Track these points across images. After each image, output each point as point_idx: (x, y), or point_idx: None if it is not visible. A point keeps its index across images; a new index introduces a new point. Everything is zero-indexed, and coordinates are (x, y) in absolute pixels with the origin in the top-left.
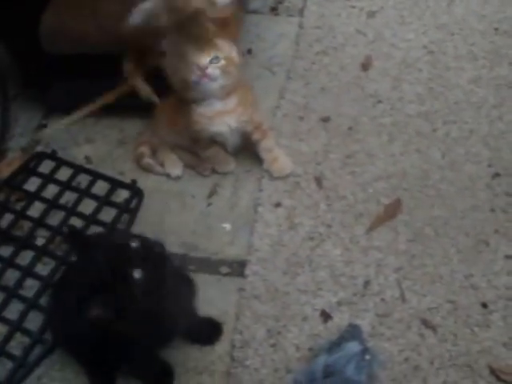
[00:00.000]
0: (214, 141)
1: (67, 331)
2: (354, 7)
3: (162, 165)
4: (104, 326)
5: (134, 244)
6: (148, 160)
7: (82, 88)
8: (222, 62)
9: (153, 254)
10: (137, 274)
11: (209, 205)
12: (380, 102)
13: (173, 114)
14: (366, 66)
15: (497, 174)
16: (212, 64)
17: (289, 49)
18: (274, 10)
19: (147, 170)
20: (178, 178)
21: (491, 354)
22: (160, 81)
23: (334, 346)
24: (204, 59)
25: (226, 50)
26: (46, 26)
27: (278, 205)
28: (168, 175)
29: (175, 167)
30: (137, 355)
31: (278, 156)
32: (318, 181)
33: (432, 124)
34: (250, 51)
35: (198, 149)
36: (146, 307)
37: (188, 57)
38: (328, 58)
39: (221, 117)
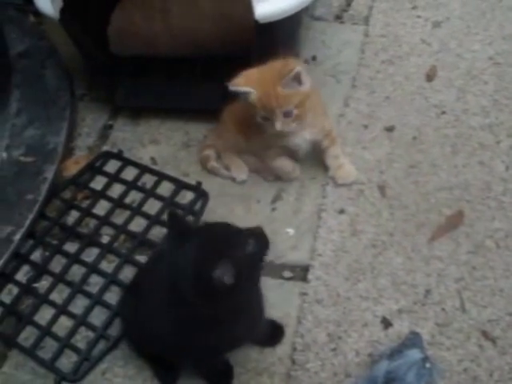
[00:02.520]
0: (285, 150)
1: (140, 324)
2: (419, 17)
3: (227, 168)
4: (223, 290)
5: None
6: (213, 163)
7: (148, 88)
8: (295, 111)
9: (259, 234)
10: (251, 245)
11: (273, 209)
12: (444, 112)
13: (240, 119)
14: (430, 77)
15: None
16: (287, 120)
17: (354, 57)
18: (338, 17)
19: (212, 173)
20: (243, 182)
21: None
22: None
23: (396, 352)
24: (278, 125)
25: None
26: (114, 26)
27: (341, 211)
28: (233, 179)
29: (241, 171)
30: (206, 354)
31: (344, 163)
32: (382, 189)
33: (496, 136)
34: (314, 58)
35: (267, 157)
36: (255, 282)
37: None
38: (393, 67)
39: (298, 132)
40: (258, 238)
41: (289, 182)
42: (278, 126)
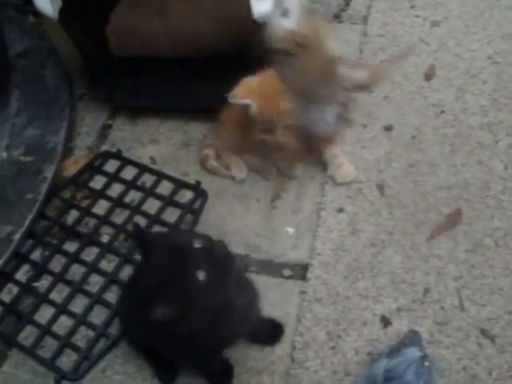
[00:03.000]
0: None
1: (136, 325)
2: (418, 16)
3: (226, 168)
4: (168, 326)
5: (197, 244)
6: (212, 163)
7: (148, 88)
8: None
9: (216, 254)
10: (201, 275)
11: (273, 208)
12: (443, 112)
13: (240, 119)
14: (429, 76)
15: None
16: (287, 132)
17: (352, 56)
18: (337, 17)
19: (212, 172)
20: (242, 181)
21: None
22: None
23: (395, 351)
24: (279, 137)
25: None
26: (113, 26)
27: (340, 210)
28: (233, 178)
29: (240, 170)
30: (200, 353)
31: (343, 162)
32: (381, 188)
33: (495, 135)
34: None
35: (267, 156)
36: (210, 308)
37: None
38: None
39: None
40: (215, 262)
41: (288, 181)
42: (279, 138)
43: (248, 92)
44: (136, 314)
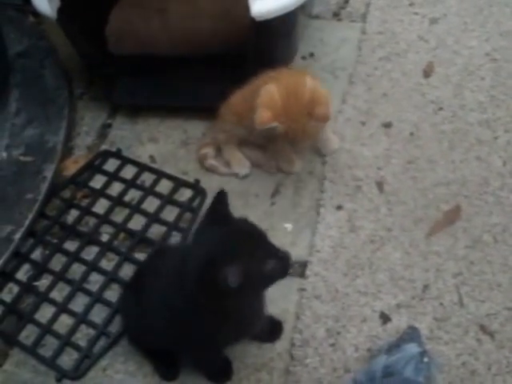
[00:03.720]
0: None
1: (139, 320)
2: (416, 14)
3: (228, 164)
4: (224, 291)
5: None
6: (211, 161)
7: (147, 87)
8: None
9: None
10: (270, 264)
11: (272, 204)
12: (441, 108)
13: (243, 111)
14: (427, 73)
15: None
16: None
17: (351, 54)
18: (336, 15)
19: (210, 170)
20: (245, 176)
21: None
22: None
23: (394, 347)
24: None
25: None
26: (112, 26)
27: (339, 207)
28: (236, 175)
29: (242, 166)
30: (205, 350)
31: (329, 135)
32: (380, 185)
33: (493, 132)
34: (312, 55)
35: (270, 150)
36: (262, 296)
37: None
38: (390, 64)
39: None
40: (280, 263)
41: (287, 177)
42: (299, 146)
43: (274, 114)
44: (141, 309)
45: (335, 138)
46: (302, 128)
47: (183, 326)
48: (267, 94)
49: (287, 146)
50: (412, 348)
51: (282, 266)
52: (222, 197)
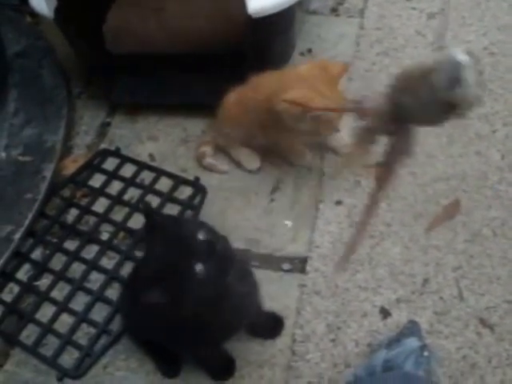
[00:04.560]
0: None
1: (138, 317)
2: (414, 9)
3: (238, 163)
4: (158, 311)
5: (201, 236)
6: (210, 160)
7: (146, 85)
8: None
9: (218, 250)
10: (198, 268)
11: (271, 201)
12: None
13: (240, 111)
14: None
15: None
16: None
17: (349, 49)
18: (334, 10)
19: (209, 169)
20: (257, 170)
21: None
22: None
23: (394, 341)
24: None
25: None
26: (110, 25)
27: (338, 203)
28: (248, 171)
29: (252, 161)
30: (200, 344)
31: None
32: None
33: (491, 126)
34: (310, 51)
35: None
36: (203, 300)
37: None
38: (388, 59)
39: None
40: (213, 258)
41: (286, 173)
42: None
43: (321, 97)
44: (137, 306)
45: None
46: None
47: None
48: (292, 74)
49: (300, 139)
50: (412, 342)
51: (218, 262)
52: (147, 211)
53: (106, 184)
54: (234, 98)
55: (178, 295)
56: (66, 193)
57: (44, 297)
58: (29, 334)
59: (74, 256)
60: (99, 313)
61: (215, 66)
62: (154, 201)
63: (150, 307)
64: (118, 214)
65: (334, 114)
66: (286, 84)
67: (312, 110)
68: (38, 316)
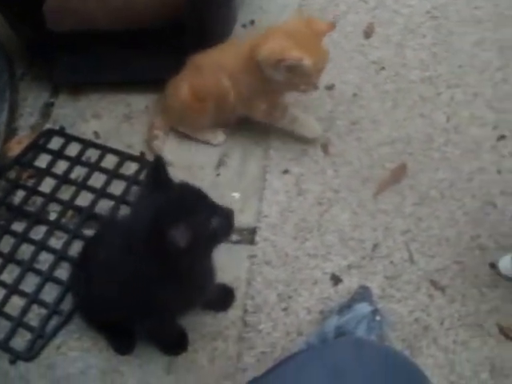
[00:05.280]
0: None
1: (91, 295)
2: None
3: (204, 142)
4: (173, 251)
5: None
6: (159, 143)
7: (88, 63)
8: None
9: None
10: (215, 222)
11: (217, 175)
12: (383, 68)
13: (199, 100)
14: (368, 34)
15: (502, 136)
16: None
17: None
18: None
19: (153, 151)
20: (221, 144)
21: (500, 312)
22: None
23: (345, 307)
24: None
25: None
26: (49, 4)
27: (285, 172)
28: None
29: (218, 135)
30: (158, 319)
31: (305, 119)
32: (325, 147)
33: (436, 88)
34: (252, 22)
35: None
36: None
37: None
38: None
39: None
40: (225, 219)
41: (231, 148)
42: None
43: (299, 50)
44: (92, 282)
45: (314, 121)
46: (323, 53)
47: (136, 295)
48: (274, 39)
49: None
50: (363, 307)
51: (226, 222)
52: (159, 162)
53: (51, 164)
54: (187, 90)
55: (193, 240)
56: (12, 174)
57: None
58: None
59: (22, 237)
60: (50, 293)
61: (156, 42)
62: (100, 178)
63: (172, 246)
64: (65, 193)
65: (312, 68)
66: (270, 36)
67: (286, 60)
68: None
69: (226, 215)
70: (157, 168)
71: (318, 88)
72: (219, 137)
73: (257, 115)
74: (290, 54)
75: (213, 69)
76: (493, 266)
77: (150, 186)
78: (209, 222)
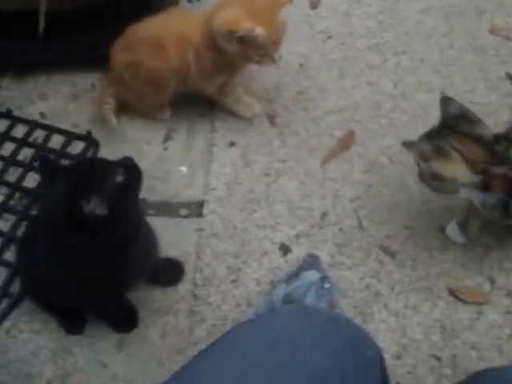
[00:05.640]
0: None
1: (37, 276)
2: None
3: (149, 115)
4: (99, 223)
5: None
6: (108, 110)
7: (30, 45)
8: None
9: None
10: (119, 178)
11: (165, 150)
12: (330, 37)
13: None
14: (314, 4)
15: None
16: None
17: None
18: None
19: (102, 116)
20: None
21: (450, 275)
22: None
23: (293, 276)
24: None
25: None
26: None
27: (232, 144)
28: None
29: (164, 111)
30: (103, 295)
31: (242, 96)
32: (271, 118)
33: (382, 56)
34: None
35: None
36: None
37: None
38: None
39: None
40: (128, 169)
41: (178, 122)
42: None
43: (253, 21)
44: (32, 264)
45: (255, 102)
46: (279, 25)
47: (75, 274)
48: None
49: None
50: (311, 275)
51: (130, 171)
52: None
53: None
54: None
55: (114, 200)
56: None
57: None
58: None
59: None
60: None
61: (97, 18)
62: None
63: (95, 218)
64: (13, 175)
65: (265, 39)
66: (224, 6)
67: (238, 31)
68: None
69: (127, 166)
70: (45, 164)
71: (274, 61)
72: (165, 112)
73: (210, 90)
74: (242, 25)
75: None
76: (443, 229)
77: (49, 180)
78: (115, 180)
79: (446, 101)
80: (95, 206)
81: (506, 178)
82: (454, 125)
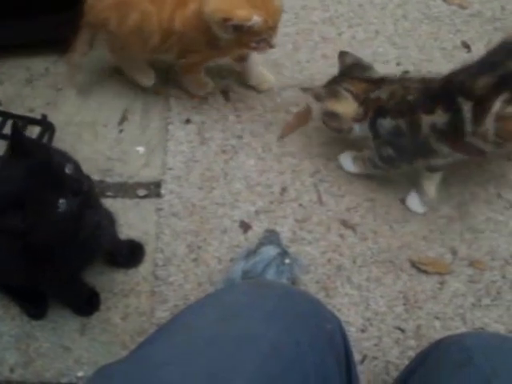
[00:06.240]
0: None
1: None
2: None
3: (132, 80)
4: (14, 236)
5: (68, 170)
6: (74, 56)
7: None
8: None
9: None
10: (62, 204)
11: (121, 131)
12: (283, 11)
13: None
14: None
15: (406, 72)
16: None
17: None
18: None
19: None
20: (149, 86)
21: (411, 247)
22: None
23: (251, 252)
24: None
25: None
26: None
27: (187, 121)
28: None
29: (147, 78)
30: (61, 278)
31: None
32: (225, 94)
33: (337, 28)
34: None
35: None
36: (63, 231)
37: None
38: None
39: None
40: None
41: (133, 102)
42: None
43: (250, 8)
44: None
45: (209, 80)
46: (277, 10)
47: (24, 258)
48: None
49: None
50: (270, 250)
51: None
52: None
53: None
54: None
55: (36, 223)
56: None
57: None
58: None
59: None
60: None
61: (50, 1)
62: (2, 145)
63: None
64: None
65: (262, 26)
66: None
67: (233, 19)
68: None
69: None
70: (17, 139)
71: (273, 46)
72: (148, 80)
73: (183, 64)
74: (237, 13)
75: None
76: (403, 201)
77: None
78: (56, 205)
79: (342, 54)
80: (12, 222)
81: (379, 100)
82: (349, 72)
